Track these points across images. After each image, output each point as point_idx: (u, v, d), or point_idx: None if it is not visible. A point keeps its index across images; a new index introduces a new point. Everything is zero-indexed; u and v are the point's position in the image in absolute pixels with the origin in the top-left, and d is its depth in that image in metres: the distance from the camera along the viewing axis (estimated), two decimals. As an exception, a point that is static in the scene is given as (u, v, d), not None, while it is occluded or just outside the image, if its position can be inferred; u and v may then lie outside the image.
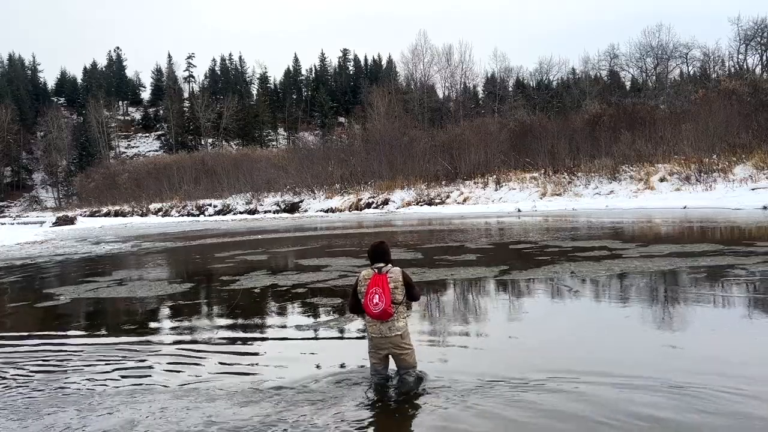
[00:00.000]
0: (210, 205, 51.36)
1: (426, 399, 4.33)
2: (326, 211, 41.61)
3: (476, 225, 22.06)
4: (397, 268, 4.63)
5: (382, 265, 4.59)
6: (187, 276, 12.42)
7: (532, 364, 4.93)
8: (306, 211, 43.68)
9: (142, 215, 54.17)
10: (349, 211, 40.28)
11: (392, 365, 4.69)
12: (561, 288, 8.44)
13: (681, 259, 9.98)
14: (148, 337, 6.89)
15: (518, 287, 8.73)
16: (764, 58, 62.25)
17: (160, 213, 53.91)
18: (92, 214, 59.23)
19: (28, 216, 69.98)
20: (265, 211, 45.73)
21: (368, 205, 40.60)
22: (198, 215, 49.60)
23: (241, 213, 47.22)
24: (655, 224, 18.81)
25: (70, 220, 46.98)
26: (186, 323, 7.61)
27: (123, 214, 56.22)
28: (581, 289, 8.36)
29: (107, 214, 58.20)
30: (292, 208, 45.39)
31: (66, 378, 5.32)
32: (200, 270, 13.63)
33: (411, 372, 4.60)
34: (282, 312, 8.13)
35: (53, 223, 45.08)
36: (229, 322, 7.51)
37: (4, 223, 49.32)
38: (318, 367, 5.22)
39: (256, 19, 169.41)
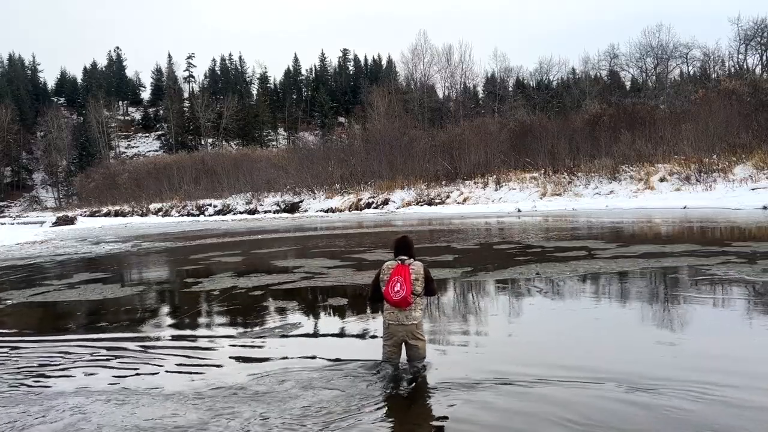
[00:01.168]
0: (210, 205, 51.38)
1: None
2: (326, 211, 41.61)
3: (474, 225, 22.07)
4: (419, 262, 4.85)
5: (405, 257, 4.82)
6: (151, 279, 12.33)
7: (476, 368, 4.90)
8: (306, 211, 43.69)
9: (142, 215, 54.19)
10: (349, 211, 40.28)
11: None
12: (517, 289, 8.53)
13: (645, 260, 10.11)
14: (71, 340, 6.75)
15: (472, 288, 8.82)
16: (764, 58, 62.28)
17: (160, 213, 53.93)
18: (92, 214, 59.25)
19: (28, 216, 70.00)
20: (265, 211, 45.74)
21: (368, 205, 40.61)
22: (198, 215, 49.61)
23: (241, 213, 47.23)
24: (649, 224, 18.82)
25: (70, 220, 46.98)
26: (119, 326, 7.49)
27: (123, 214, 56.24)
28: (535, 290, 8.43)
29: (107, 214, 58.22)
30: (292, 208, 45.40)
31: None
32: (168, 272, 13.54)
33: (419, 365, 4.77)
34: (227, 315, 7.99)
35: (53, 223, 45.07)
36: (164, 325, 7.48)
37: (4, 223, 49.31)
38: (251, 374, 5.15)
39: (256, 19, 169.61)
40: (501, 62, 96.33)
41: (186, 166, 63.61)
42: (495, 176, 37.59)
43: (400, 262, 4.77)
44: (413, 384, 4.59)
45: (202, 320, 7.63)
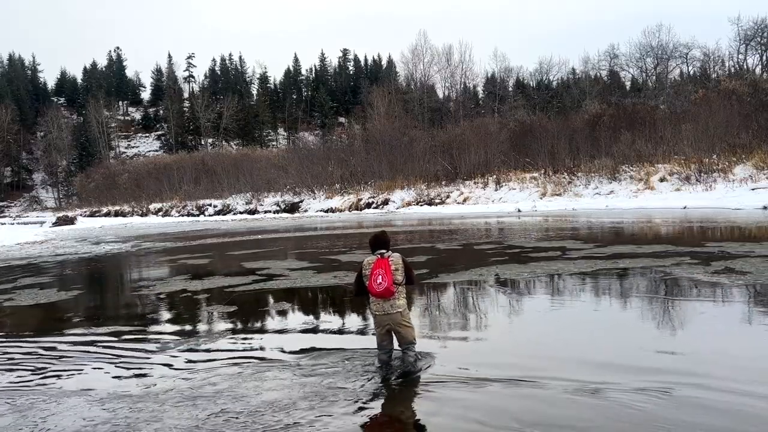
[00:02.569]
0: (210, 205, 51.37)
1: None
2: (326, 211, 41.61)
3: (471, 225, 22.03)
4: (397, 253, 5.14)
5: (383, 251, 5.09)
6: (105, 282, 12.25)
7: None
8: (306, 211, 43.68)
9: (142, 215, 54.18)
10: (349, 211, 40.28)
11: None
12: (467, 290, 8.62)
13: (604, 261, 10.24)
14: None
15: (425, 290, 8.94)
16: (764, 58, 62.27)
17: (160, 213, 53.92)
18: (92, 214, 59.24)
19: (28, 216, 69.97)
20: (265, 211, 45.74)
21: (368, 205, 40.60)
22: (198, 215, 49.61)
23: (241, 213, 47.23)
24: (643, 225, 18.79)
25: (70, 220, 46.99)
26: (48, 330, 7.50)
27: (123, 214, 56.24)
28: (484, 291, 8.50)
29: (107, 214, 58.21)
30: (292, 208, 45.40)
31: None
32: (126, 275, 13.48)
33: (411, 347, 5.03)
34: (163, 320, 7.97)
35: (53, 224, 45.08)
36: (90, 329, 7.46)
37: (4, 223, 49.31)
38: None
39: (256, 19, 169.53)
40: (501, 62, 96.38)
41: (186, 166, 63.59)
42: (495, 176, 37.58)
43: (379, 255, 5.04)
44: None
45: (139, 327, 7.57)
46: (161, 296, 9.64)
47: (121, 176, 70.27)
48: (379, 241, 5.18)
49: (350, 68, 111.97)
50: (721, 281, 7.96)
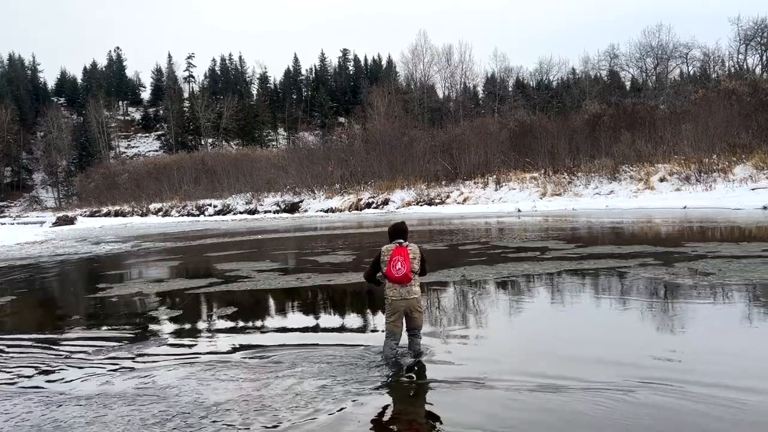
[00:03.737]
0: (210, 205, 51.37)
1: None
2: (326, 211, 41.60)
3: (472, 225, 22.04)
4: (415, 244, 5.34)
5: (402, 240, 5.32)
6: (64, 285, 12.17)
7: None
8: (306, 211, 43.68)
9: (142, 215, 54.17)
10: (349, 211, 40.27)
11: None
12: (428, 292, 8.75)
13: (570, 262, 10.40)
14: None
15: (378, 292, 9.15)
16: (764, 58, 62.26)
17: (160, 213, 53.91)
18: (92, 214, 59.23)
19: (28, 216, 69.97)
20: (265, 211, 45.73)
21: (368, 205, 40.60)
22: (198, 215, 49.61)
23: (241, 213, 47.23)
24: (637, 225, 18.83)
25: (70, 220, 46.97)
26: None
27: (123, 214, 56.23)
28: (444, 292, 8.61)
29: (107, 214, 58.20)
30: (292, 208, 45.40)
31: None
32: (87, 278, 13.32)
33: (419, 333, 5.34)
34: (104, 323, 7.94)
35: (53, 224, 45.07)
36: (35, 332, 7.49)
37: (4, 223, 49.30)
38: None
39: (256, 19, 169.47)
40: (501, 62, 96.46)
41: (186, 166, 63.58)
42: (495, 176, 37.58)
43: (398, 244, 5.25)
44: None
45: (78, 330, 7.58)
46: (112, 299, 9.61)
47: (121, 176, 70.24)
48: (398, 230, 5.40)
49: (350, 68, 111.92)
50: (678, 281, 8.13)
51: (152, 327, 7.46)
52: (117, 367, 5.61)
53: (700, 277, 8.33)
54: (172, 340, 6.66)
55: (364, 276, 5.56)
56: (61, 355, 6.23)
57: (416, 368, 5.06)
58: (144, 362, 5.74)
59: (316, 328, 6.93)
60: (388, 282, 5.21)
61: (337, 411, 4.18)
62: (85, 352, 6.28)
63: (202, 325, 7.52)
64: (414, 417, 4.18)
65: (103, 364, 5.73)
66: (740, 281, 7.90)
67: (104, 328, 7.58)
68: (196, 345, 6.41)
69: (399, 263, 5.10)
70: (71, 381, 5.28)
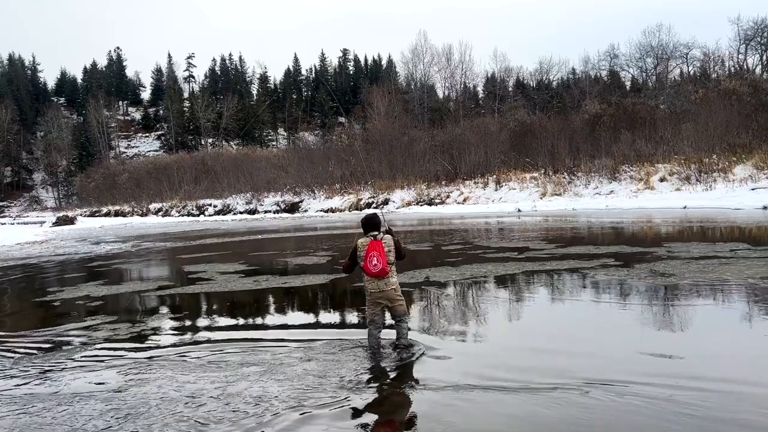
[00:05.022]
0: (210, 205, 51.36)
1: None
2: (326, 211, 41.60)
3: (468, 225, 22.03)
4: (389, 235, 5.47)
5: (376, 233, 5.43)
6: (21, 288, 12.14)
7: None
8: (306, 211, 43.67)
9: (142, 215, 54.15)
10: (349, 211, 40.26)
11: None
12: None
13: (531, 263, 10.60)
14: None
15: (347, 293, 9.13)
16: (764, 58, 62.27)
17: (160, 213, 53.90)
18: (92, 214, 59.20)
19: (28, 216, 69.92)
20: (265, 211, 45.72)
21: (368, 205, 40.58)
22: (198, 215, 49.60)
23: (241, 213, 47.22)
24: (633, 225, 18.84)
25: (70, 220, 46.95)
26: None
27: (123, 214, 56.20)
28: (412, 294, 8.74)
29: (107, 214, 58.17)
30: (292, 208, 45.38)
31: None
32: (45, 280, 13.18)
33: (404, 319, 5.55)
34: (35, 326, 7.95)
35: (53, 223, 45.06)
36: None
37: (4, 223, 49.30)
38: None
39: (256, 19, 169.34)
40: (501, 62, 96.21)
41: (186, 166, 63.55)
42: (495, 176, 37.57)
43: (372, 238, 5.37)
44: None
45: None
46: (54, 303, 9.54)
47: (121, 176, 70.17)
48: (371, 223, 5.50)
49: (350, 68, 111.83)
50: (630, 282, 8.33)
51: (73, 334, 7.30)
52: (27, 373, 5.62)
53: (655, 278, 8.47)
54: (99, 346, 6.60)
55: (342, 270, 5.68)
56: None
57: (403, 356, 5.32)
58: (51, 369, 5.71)
59: (255, 327, 7.12)
60: (366, 276, 5.39)
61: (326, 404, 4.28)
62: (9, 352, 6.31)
63: (136, 328, 7.39)
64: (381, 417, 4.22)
65: (24, 368, 5.75)
66: (690, 282, 8.02)
67: (25, 332, 7.53)
68: (125, 348, 6.42)
69: (375, 258, 5.25)
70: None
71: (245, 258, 14.76)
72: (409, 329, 5.72)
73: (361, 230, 5.56)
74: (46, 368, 5.67)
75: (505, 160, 40.04)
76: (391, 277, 5.39)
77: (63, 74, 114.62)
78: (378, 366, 5.15)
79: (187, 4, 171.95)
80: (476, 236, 17.30)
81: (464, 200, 36.62)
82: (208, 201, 52.26)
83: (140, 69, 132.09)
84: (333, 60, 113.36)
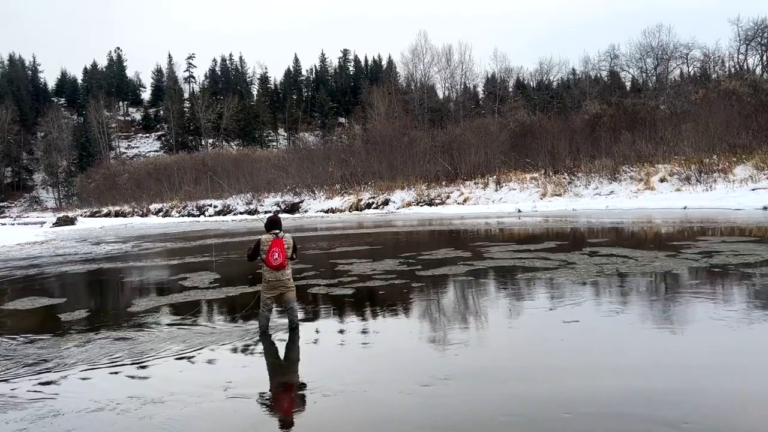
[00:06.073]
0: (210, 205, 51.36)
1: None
2: (326, 212, 41.59)
3: (466, 226, 22.03)
4: (289, 234, 6.71)
5: (278, 231, 6.63)
6: None
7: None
8: (306, 211, 43.67)
9: (142, 216, 54.14)
10: (350, 211, 40.26)
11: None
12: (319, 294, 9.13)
13: (468, 265, 10.99)
14: None
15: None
16: (764, 58, 62.25)
17: (160, 213, 53.89)
18: (92, 215, 59.19)
19: (28, 216, 69.86)
20: (266, 212, 45.64)
21: (368, 206, 40.59)
22: (198, 216, 49.60)
23: (241, 213, 47.21)
24: (632, 225, 18.85)
25: (71, 221, 46.95)
26: None
27: (123, 215, 56.19)
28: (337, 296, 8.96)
29: (107, 215, 58.16)
30: (293, 208, 45.37)
31: None
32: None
33: (294, 306, 6.73)
34: None
35: (53, 224, 45.06)
36: None
37: (5, 224, 49.30)
38: None
39: (256, 19, 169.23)
40: (501, 62, 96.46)
41: (186, 167, 63.54)
42: (495, 176, 37.56)
43: (275, 235, 6.54)
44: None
45: None
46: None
47: (122, 176, 70.15)
48: (275, 223, 6.72)
49: (350, 68, 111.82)
50: (559, 280, 8.78)
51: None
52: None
53: (589, 274, 8.98)
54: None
55: (246, 257, 6.82)
56: None
57: (294, 335, 6.34)
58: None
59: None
60: (266, 267, 6.51)
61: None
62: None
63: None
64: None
65: None
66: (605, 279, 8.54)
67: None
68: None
69: (276, 253, 6.43)
70: None
71: (222, 265, 14.39)
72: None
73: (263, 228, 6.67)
74: None
75: (505, 161, 40.03)
76: (287, 269, 6.57)
77: (63, 74, 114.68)
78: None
79: (187, 4, 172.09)
80: (466, 236, 17.22)
81: (464, 201, 36.62)
82: (208, 201, 52.26)
83: (140, 69, 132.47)
84: (333, 60, 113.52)
